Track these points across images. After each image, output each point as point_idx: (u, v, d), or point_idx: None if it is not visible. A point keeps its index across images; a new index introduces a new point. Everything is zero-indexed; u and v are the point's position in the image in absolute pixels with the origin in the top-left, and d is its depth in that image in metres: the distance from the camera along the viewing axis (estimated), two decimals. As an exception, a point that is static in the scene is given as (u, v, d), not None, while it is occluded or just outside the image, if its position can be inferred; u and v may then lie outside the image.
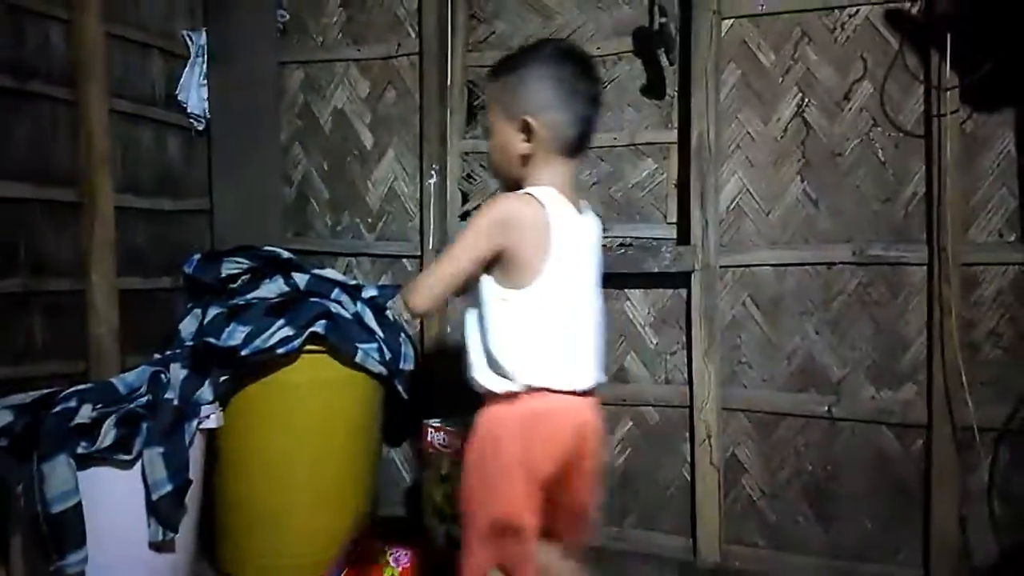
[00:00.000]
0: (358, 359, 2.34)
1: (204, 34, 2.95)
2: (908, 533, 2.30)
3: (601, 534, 2.62)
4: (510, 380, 1.48)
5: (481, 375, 1.52)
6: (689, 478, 2.52)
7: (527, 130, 1.50)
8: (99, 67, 2.50)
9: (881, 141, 2.34)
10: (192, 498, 2.08)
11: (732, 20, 2.47)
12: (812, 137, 2.41)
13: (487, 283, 1.50)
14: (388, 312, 2.54)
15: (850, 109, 2.37)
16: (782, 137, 2.45)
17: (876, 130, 2.34)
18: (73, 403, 1.97)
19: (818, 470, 2.40)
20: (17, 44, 2.34)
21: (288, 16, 3.01)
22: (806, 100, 2.42)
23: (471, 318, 1.55)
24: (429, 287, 1.50)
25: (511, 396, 1.48)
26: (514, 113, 1.51)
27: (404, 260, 2.90)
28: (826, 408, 2.38)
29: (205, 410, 2.15)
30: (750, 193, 2.48)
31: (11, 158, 2.31)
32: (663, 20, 2.44)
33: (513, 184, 1.55)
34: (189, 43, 2.93)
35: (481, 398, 1.54)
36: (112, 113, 2.57)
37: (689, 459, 2.52)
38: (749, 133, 2.48)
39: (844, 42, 2.37)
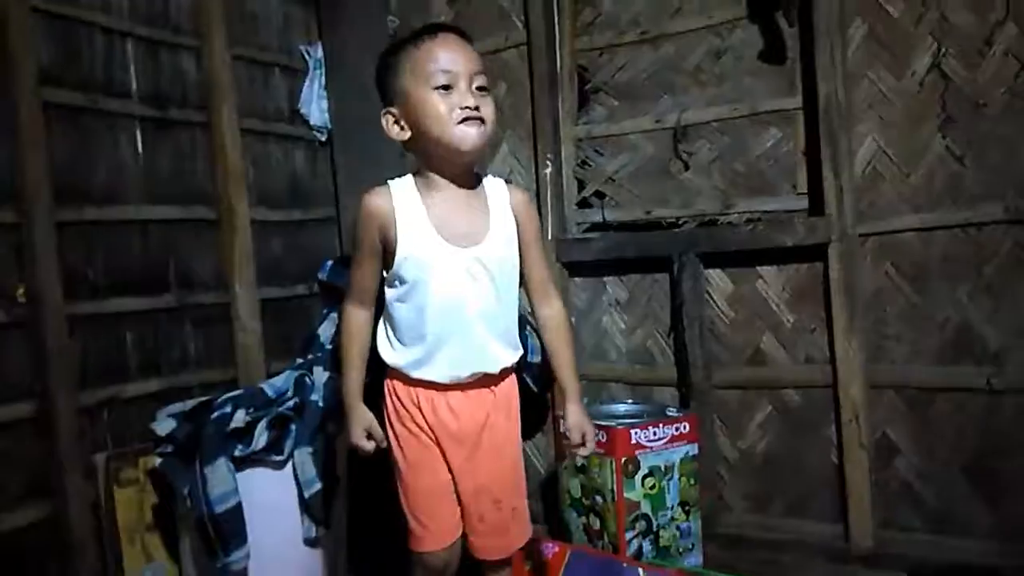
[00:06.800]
0: (487, 353, 2.36)
1: (320, 47, 3.06)
2: (1089, 512, 2.11)
3: (746, 522, 2.55)
4: None
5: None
6: (837, 461, 2.40)
7: None
8: (228, 89, 2.65)
9: (1032, 87, 2.14)
10: (340, 495, 2.18)
11: (855, -29, 2.32)
12: (952, 89, 2.23)
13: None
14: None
15: (993, 55, 2.17)
16: (918, 92, 2.27)
17: (1025, 75, 2.14)
18: (228, 409, 2.09)
19: (980, 447, 2.23)
20: (156, 75, 2.50)
21: (398, 21, 3.06)
22: (943, 49, 2.23)
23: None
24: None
25: None
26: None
27: (526, 252, 2.90)
28: (985, 380, 2.20)
29: (347, 410, 2.23)
30: (887, 155, 2.33)
31: (158, 182, 2.48)
32: (779, -19, 2.33)
33: (477, 160, 1.66)
34: (307, 57, 3.04)
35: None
36: (243, 132, 2.71)
37: (836, 441, 2.40)
38: (881, 91, 2.32)
39: (983, -19, 2.18)
